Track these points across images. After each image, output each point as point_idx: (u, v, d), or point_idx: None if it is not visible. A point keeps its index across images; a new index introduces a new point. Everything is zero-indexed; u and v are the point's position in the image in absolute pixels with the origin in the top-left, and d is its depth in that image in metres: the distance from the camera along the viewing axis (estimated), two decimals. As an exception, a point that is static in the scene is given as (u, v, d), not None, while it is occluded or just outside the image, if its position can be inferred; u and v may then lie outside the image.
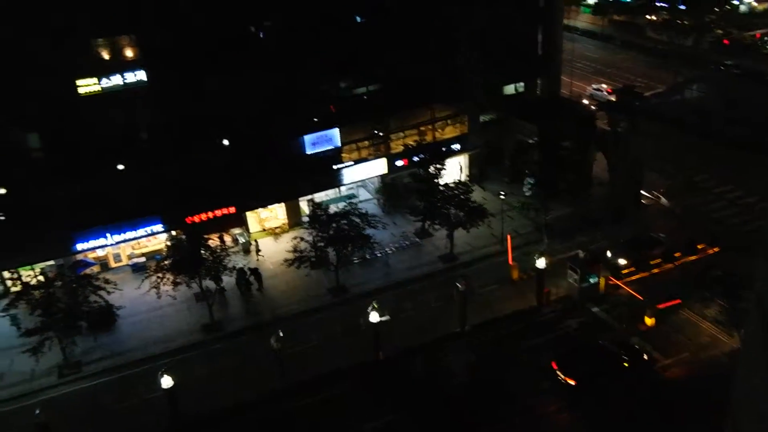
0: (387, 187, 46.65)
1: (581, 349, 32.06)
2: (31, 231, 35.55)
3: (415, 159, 43.09)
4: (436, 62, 43.97)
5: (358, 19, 42.50)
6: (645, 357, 31.30)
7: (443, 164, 41.55)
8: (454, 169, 47.67)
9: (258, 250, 42.22)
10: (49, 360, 32.57)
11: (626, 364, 30.76)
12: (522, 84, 51.66)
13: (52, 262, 38.47)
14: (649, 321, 33.98)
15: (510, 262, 39.30)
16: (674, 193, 46.16)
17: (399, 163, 45.16)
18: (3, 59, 32.76)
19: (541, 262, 34.87)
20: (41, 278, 33.88)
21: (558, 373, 30.68)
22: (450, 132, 47.01)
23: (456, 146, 46.72)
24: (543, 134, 44.50)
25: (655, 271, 38.51)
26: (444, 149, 44.39)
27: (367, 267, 40.49)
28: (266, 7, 38.49)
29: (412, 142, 43.97)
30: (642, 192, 45.54)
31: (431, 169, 40.76)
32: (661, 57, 74.55)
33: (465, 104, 46.29)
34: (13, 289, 34.93)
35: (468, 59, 44.52)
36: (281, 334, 30.90)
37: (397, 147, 45.20)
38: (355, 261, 39.67)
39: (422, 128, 45.59)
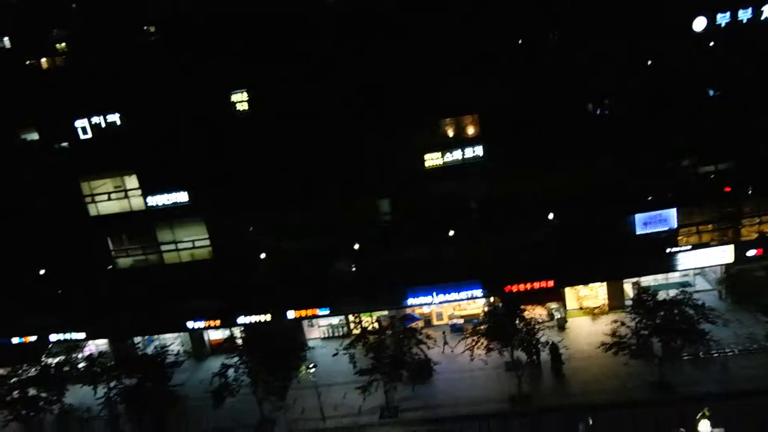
0: (732, 278, 40.62)
1: None
2: (375, 283, 40.89)
3: (774, 248, 36.81)
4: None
5: (711, 92, 38.88)
6: None
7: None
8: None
9: (445, 342, 40.70)
10: (374, 401, 36.30)
11: None
12: None
13: (386, 313, 43.44)
14: None
15: None
16: None
17: (751, 252, 38.95)
18: (374, 141, 38.87)
19: None
20: (376, 325, 38.56)
21: None
22: (826, 219, 38.94)
23: (835, 236, 38.44)
24: None
25: None
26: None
27: (699, 366, 35.51)
28: (609, 85, 38.01)
29: (770, 229, 37.78)
30: None
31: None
32: None
33: None
34: (354, 331, 40.53)
35: None
36: (591, 422, 28.94)
37: (749, 233, 39.20)
38: (685, 357, 35.20)
39: (786, 212, 38.81)
